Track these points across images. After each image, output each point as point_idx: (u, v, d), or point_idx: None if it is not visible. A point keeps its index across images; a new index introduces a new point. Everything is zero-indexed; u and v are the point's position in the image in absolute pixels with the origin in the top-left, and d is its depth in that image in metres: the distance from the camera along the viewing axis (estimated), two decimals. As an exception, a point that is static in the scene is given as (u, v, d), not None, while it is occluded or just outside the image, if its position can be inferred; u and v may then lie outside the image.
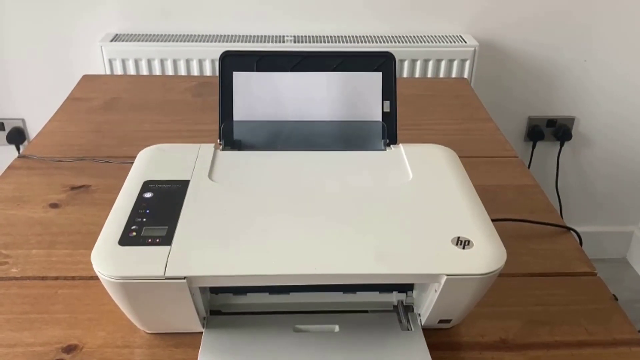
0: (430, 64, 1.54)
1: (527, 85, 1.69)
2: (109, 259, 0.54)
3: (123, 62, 1.51)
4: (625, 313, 0.68)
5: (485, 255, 0.55)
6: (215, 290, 0.63)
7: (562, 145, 1.78)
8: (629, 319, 0.67)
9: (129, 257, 0.54)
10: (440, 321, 0.63)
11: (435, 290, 0.57)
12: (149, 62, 1.51)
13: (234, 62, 0.73)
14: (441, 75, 1.56)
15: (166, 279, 0.52)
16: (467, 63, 1.54)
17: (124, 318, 0.62)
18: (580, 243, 0.80)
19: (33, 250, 0.75)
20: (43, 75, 1.62)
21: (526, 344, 0.64)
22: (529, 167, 1.78)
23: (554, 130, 1.76)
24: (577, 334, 0.65)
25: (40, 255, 0.74)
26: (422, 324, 0.63)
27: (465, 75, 1.56)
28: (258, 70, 0.73)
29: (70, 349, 0.61)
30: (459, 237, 0.57)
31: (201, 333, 0.61)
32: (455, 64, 1.54)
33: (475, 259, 0.55)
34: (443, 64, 1.54)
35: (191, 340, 0.61)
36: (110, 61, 1.50)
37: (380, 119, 0.74)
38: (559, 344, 0.64)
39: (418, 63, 1.53)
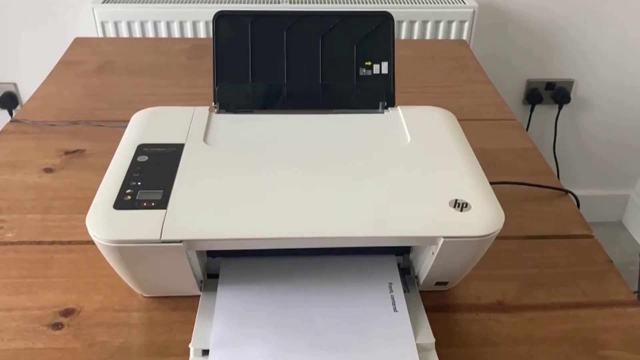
0: (429, 25, 1.51)
1: (526, 47, 1.67)
2: (104, 223, 0.53)
3: (115, 24, 1.47)
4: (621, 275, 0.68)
5: (483, 217, 0.55)
6: (212, 254, 0.63)
7: (560, 108, 1.76)
8: (624, 281, 0.67)
9: (124, 220, 0.53)
10: (437, 284, 0.63)
11: (433, 253, 0.57)
12: (142, 24, 1.48)
13: (228, 22, 0.72)
14: (440, 36, 1.53)
15: (162, 242, 0.52)
16: (466, 24, 1.52)
17: (121, 282, 0.62)
18: (578, 205, 0.80)
19: (28, 215, 0.74)
20: (34, 39, 1.59)
21: (522, 305, 0.64)
22: (527, 130, 1.77)
23: (552, 94, 1.74)
24: (574, 296, 0.65)
25: (36, 220, 0.73)
26: (419, 286, 0.63)
27: (464, 37, 1.53)
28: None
29: (67, 312, 0.61)
30: (456, 200, 0.56)
31: (199, 296, 0.61)
32: (454, 25, 1.51)
33: (473, 221, 0.54)
34: (442, 25, 1.51)
35: (189, 303, 0.62)
36: (102, 23, 1.47)
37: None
38: (555, 305, 0.64)
39: (416, 25, 1.51)
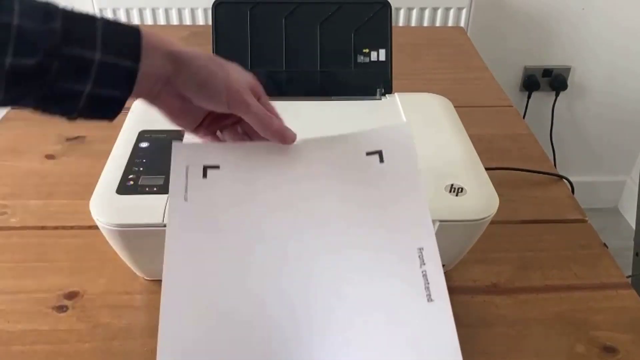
0: (427, 12, 1.51)
1: (523, 34, 1.67)
2: (108, 207, 0.54)
3: (114, 11, 1.48)
4: (614, 258, 0.69)
5: (478, 201, 0.56)
6: (213, 238, 0.65)
7: (557, 95, 1.77)
8: (617, 264, 0.69)
9: (127, 205, 0.54)
10: (434, 267, 0.64)
11: (429, 236, 0.58)
12: (140, 11, 1.48)
13: (227, 10, 0.72)
14: (437, 24, 1.53)
15: (164, 226, 0.53)
16: (464, 11, 1.52)
17: (123, 266, 0.63)
18: (573, 191, 0.82)
19: (31, 200, 0.75)
20: (33, 26, 1.59)
21: (517, 288, 0.65)
22: (524, 117, 1.78)
23: (549, 80, 1.75)
24: (567, 278, 0.67)
25: (39, 206, 0.74)
26: (416, 269, 0.64)
27: (462, 24, 1.54)
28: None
29: (72, 295, 0.62)
30: (452, 184, 0.57)
31: (200, 279, 0.62)
32: (451, 12, 1.52)
33: (468, 205, 0.56)
34: (439, 12, 1.52)
35: (190, 286, 0.63)
36: (101, 11, 1.47)
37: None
38: (549, 288, 0.65)
39: (414, 11, 1.51)
